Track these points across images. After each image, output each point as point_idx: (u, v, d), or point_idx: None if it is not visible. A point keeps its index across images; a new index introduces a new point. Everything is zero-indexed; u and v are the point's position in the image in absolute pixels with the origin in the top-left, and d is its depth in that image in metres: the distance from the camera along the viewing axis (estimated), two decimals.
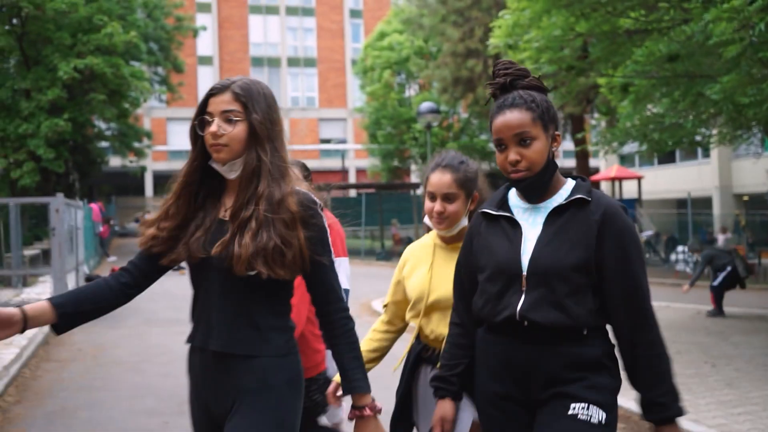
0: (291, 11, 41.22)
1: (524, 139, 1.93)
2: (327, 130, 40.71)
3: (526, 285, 1.93)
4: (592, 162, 24.63)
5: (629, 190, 25.06)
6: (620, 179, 23.66)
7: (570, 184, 2.05)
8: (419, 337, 2.56)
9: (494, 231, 2.06)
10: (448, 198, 2.40)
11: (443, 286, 2.43)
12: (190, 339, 2.01)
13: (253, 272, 1.82)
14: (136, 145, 24.17)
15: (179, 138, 37.55)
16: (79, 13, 18.08)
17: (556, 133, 2.02)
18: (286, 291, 1.97)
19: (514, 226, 2.01)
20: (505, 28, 9.00)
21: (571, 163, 39.56)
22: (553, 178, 2.02)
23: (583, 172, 21.52)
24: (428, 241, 2.60)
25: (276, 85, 40.43)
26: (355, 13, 42.04)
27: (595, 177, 24.04)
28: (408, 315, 2.59)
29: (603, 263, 1.91)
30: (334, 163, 37.29)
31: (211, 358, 1.93)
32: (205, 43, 37.85)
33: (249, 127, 1.89)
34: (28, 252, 14.78)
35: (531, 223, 2.01)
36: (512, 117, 1.94)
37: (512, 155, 1.95)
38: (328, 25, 41.54)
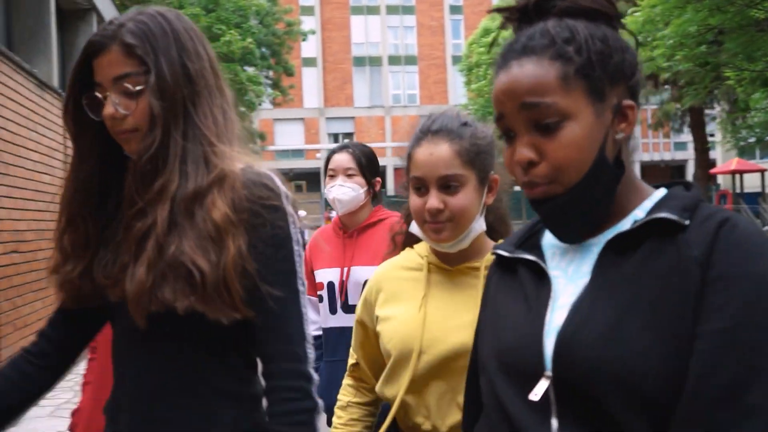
0: (391, 10, 41.60)
1: (544, 120, 0.96)
2: None
3: (555, 398, 0.96)
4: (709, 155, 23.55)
5: (751, 184, 23.82)
6: (741, 172, 22.55)
7: (656, 196, 1.03)
8: (398, 425, 1.57)
9: (508, 287, 1.10)
10: (447, 185, 1.44)
11: (449, 335, 1.47)
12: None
13: (160, 308, 1.17)
14: (251, 146, 25.26)
15: (285, 138, 38.84)
16: (200, 23, 19.08)
17: (626, 103, 0.99)
18: (238, 337, 1.25)
19: (541, 278, 1.04)
20: (634, 26, 8.85)
21: (683, 155, 38.00)
22: (617, 194, 1.01)
23: (703, 165, 20.66)
24: (415, 260, 1.59)
25: (377, 84, 41.01)
26: (455, 9, 41.94)
27: (713, 170, 23.03)
28: (381, 385, 1.59)
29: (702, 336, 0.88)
30: None
31: None
32: (309, 45, 38.76)
33: (150, 96, 1.20)
34: None
35: (570, 275, 1.02)
36: (520, 75, 0.97)
37: (522, 151, 0.98)
38: (428, 23, 41.65)
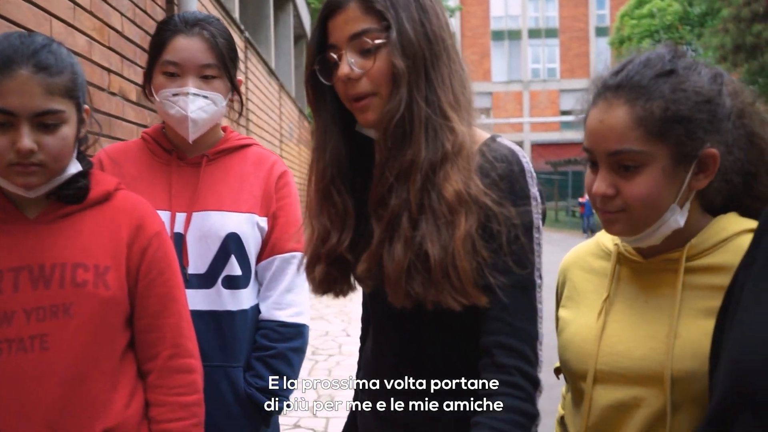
0: None
1: None
2: (568, 102, 39.75)
3: None
4: None
5: None
6: None
7: None
8: None
9: None
10: (621, 164, 1.10)
11: (635, 350, 1.13)
12: (358, 397, 1.34)
13: (414, 301, 1.11)
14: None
15: None
16: None
17: None
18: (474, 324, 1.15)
19: None
20: None
21: None
22: None
23: None
24: (608, 246, 1.26)
25: (516, 58, 40.31)
26: None
27: None
28: (568, 416, 1.30)
29: None
30: (575, 136, 36.23)
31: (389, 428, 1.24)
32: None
33: (392, 53, 1.12)
34: None
35: None
36: None
37: None
38: None
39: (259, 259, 1.71)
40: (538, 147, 37.72)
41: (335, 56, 1.15)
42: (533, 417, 1.08)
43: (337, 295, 1.28)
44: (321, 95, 1.21)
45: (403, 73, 1.11)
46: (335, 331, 7.20)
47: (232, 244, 1.63)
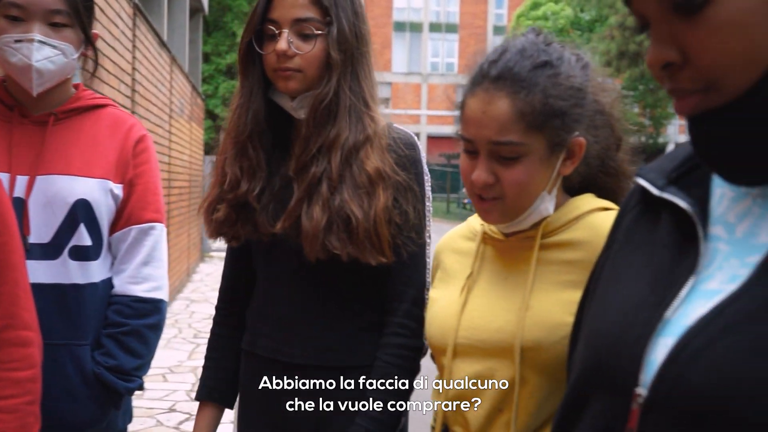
0: None
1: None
2: None
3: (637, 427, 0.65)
4: None
5: None
6: None
7: None
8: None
9: (641, 238, 0.77)
10: (500, 153, 1.11)
11: (492, 322, 1.16)
12: (251, 345, 1.46)
13: (329, 253, 1.31)
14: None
15: None
16: None
17: None
18: (383, 275, 1.38)
19: (689, 238, 0.69)
20: None
21: None
22: None
23: None
24: (474, 226, 1.30)
25: (416, 50, 40.82)
26: None
27: None
28: (432, 395, 1.30)
29: None
30: None
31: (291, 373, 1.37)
32: None
33: (328, 45, 1.32)
34: None
35: (739, 241, 0.66)
36: None
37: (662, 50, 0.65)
38: None
39: (113, 230, 1.60)
40: (433, 139, 38.42)
41: (274, 30, 1.32)
42: (419, 349, 1.37)
43: (229, 240, 1.44)
44: (252, 60, 1.37)
45: (336, 64, 1.33)
46: None
47: (81, 212, 1.52)
